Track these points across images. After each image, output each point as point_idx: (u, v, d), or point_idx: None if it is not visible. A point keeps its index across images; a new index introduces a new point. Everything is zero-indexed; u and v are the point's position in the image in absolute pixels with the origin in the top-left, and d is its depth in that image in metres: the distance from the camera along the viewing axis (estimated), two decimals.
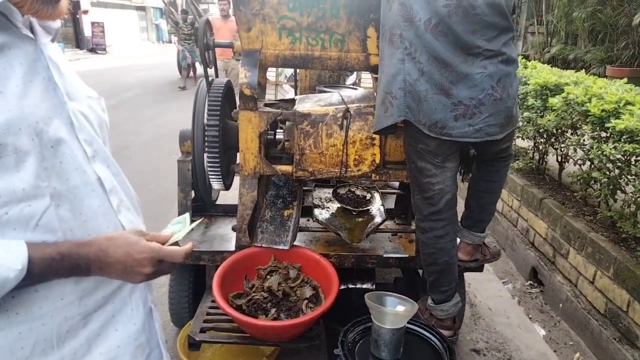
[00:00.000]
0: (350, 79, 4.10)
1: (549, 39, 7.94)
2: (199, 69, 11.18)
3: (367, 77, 4.39)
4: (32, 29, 0.79)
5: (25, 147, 0.72)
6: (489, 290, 2.98)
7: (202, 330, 1.79)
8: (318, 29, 1.88)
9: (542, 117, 3.21)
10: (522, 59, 4.63)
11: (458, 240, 1.95)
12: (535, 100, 3.27)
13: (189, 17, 10.27)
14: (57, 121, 0.78)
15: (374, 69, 2.00)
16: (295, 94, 3.01)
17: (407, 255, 2.06)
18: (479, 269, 2.11)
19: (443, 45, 1.54)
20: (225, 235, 2.17)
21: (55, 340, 0.79)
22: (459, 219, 1.93)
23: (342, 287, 2.06)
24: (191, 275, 2.22)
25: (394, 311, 1.38)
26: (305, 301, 1.72)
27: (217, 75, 2.21)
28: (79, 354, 0.83)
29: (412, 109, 1.61)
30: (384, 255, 2.04)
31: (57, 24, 0.86)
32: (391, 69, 1.64)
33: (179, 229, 0.94)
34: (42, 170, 0.74)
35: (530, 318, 2.75)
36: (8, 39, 0.73)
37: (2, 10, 0.72)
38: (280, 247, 1.90)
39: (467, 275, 2.59)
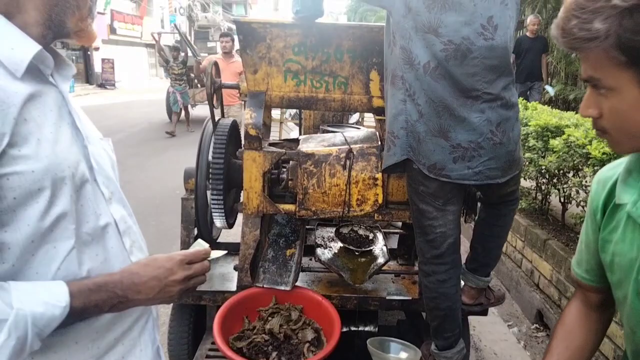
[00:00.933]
0: (353, 118, 4.16)
1: (550, 79, 8.10)
2: (192, 111, 10.39)
3: (369, 116, 4.46)
4: (52, 75, 0.82)
5: (58, 191, 0.74)
6: (494, 334, 2.92)
7: None
8: (322, 72, 1.93)
9: (543, 157, 3.23)
10: (522, 99, 4.70)
11: (462, 283, 1.92)
12: (537, 142, 3.30)
13: (181, 55, 9.31)
14: (82, 164, 0.80)
15: (376, 111, 2.04)
16: (300, 133, 3.06)
17: (410, 298, 2.04)
18: (483, 313, 2.07)
19: (442, 88, 1.56)
20: (226, 275, 2.15)
21: None
22: (464, 260, 1.92)
23: (344, 329, 2.02)
24: (191, 316, 2.19)
25: (397, 358, 1.35)
26: (307, 344, 1.68)
27: (223, 115, 2.25)
28: None
29: (414, 149, 1.63)
30: (387, 297, 2.01)
31: (72, 70, 0.89)
32: (393, 109, 1.67)
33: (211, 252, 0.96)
34: (71, 213, 0.76)
35: None
36: (40, 87, 0.76)
37: (35, 60, 0.75)
38: (282, 287, 1.88)
39: (472, 318, 2.54)
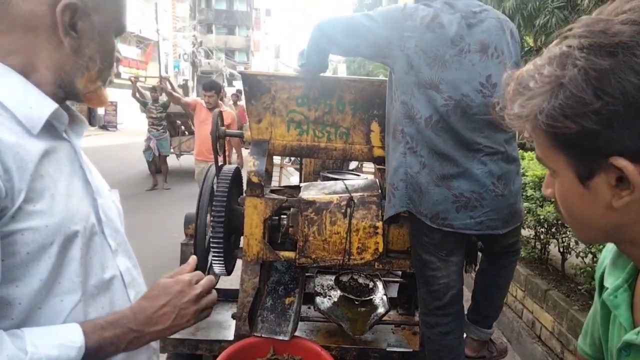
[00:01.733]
0: (353, 164, 4.23)
1: None
2: (178, 161, 9.45)
3: (368, 163, 4.52)
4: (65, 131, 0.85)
5: (70, 245, 0.75)
6: None
7: None
8: (324, 122, 1.98)
9: (541, 207, 3.26)
10: (520, 150, 4.78)
11: (464, 334, 1.89)
12: (534, 191, 3.34)
13: (161, 98, 7.96)
14: (92, 217, 0.81)
15: (376, 160, 2.08)
16: (300, 179, 3.09)
17: (411, 349, 2.00)
18: None
19: (444, 141, 1.60)
20: (224, 323, 2.12)
21: None
22: (465, 311, 1.90)
23: None
24: None
25: None
26: None
27: (226, 162, 2.29)
28: None
29: (414, 201, 1.65)
30: (387, 349, 1.98)
31: (85, 126, 0.91)
32: (394, 161, 1.70)
33: None
34: (80, 266, 0.76)
35: None
36: (54, 143, 0.78)
37: (51, 118, 0.77)
38: (281, 337, 1.85)
39: None
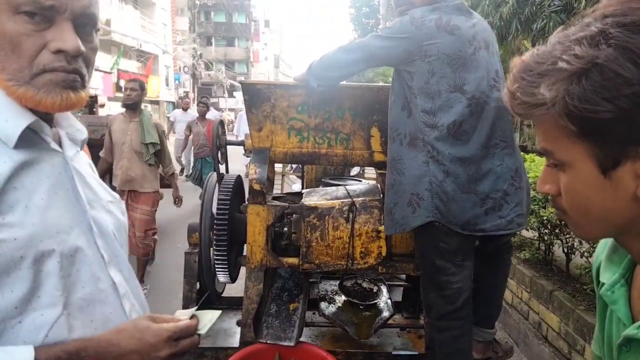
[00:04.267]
0: (355, 170, 4.24)
1: None
2: None
3: (370, 168, 4.54)
4: (60, 141, 0.83)
5: (45, 258, 0.72)
6: None
7: None
8: (325, 129, 2.01)
9: (544, 208, 3.26)
10: (521, 152, 4.79)
11: None
12: (536, 193, 3.34)
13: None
14: (78, 230, 0.79)
15: (377, 165, 2.09)
16: (302, 186, 3.11)
17: (417, 353, 2.00)
18: None
19: (465, 145, 1.63)
20: (229, 330, 2.12)
21: None
22: None
23: None
24: None
25: None
26: None
27: (227, 171, 2.31)
28: None
29: (441, 210, 1.65)
30: (393, 353, 1.98)
31: (83, 134, 0.90)
32: (415, 171, 1.69)
33: (203, 322, 0.90)
34: (59, 280, 0.74)
35: None
36: (37, 154, 0.77)
37: (33, 127, 0.76)
38: (286, 343, 1.85)
39: None
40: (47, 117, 0.80)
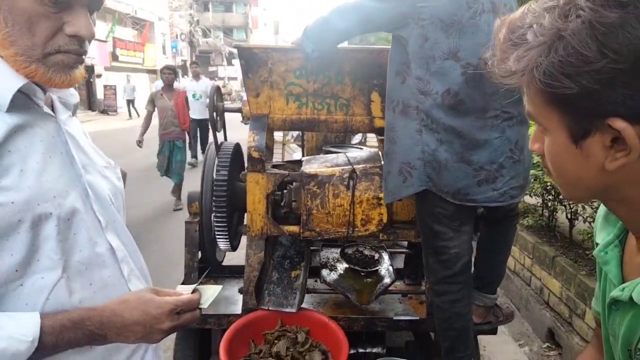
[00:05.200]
0: (356, 138, 4.19)
1: None
2: None
3: (372, 136, 4.48)
4: (52, 105, 0.83)
5: (42, 222, 0.73)
6: (505, 354, 2.86)
7: None
8: (324, 94, 1.95)
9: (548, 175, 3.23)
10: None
11: None
12: (541, 158, 3.30)
13: None
14: (74, 193, 0.80)
15: (378, 131, 2.05)
16: (302, 154, 3.07)
17: (418, 318, 2.01)
18: (493, 331, 2.04)
19: (461, 115, 1.56)
20: (231, 298, 2.13)
21: None
22: None
23: (352, 351, 1.99)
24: (196, 340, 2.16)
25: None
26: None
27: (225, 138, 2.27)
28: None
29: (433, 179, 1.62)
30: (394, 318, 1.99)
31: (75, 99, 0.90)
32: (407, 140, 1.64)
33: (205, 294, 0.92)
34: (58, 243, 0.75)
35: None
36: (30, 118, 0.76)
37: (25, 91, 0.76)
38: (288, 309, 1.86)
39: (482, 338, 2.50)
40: (27, 74, 0.78)
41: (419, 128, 1.61)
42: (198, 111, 7.84)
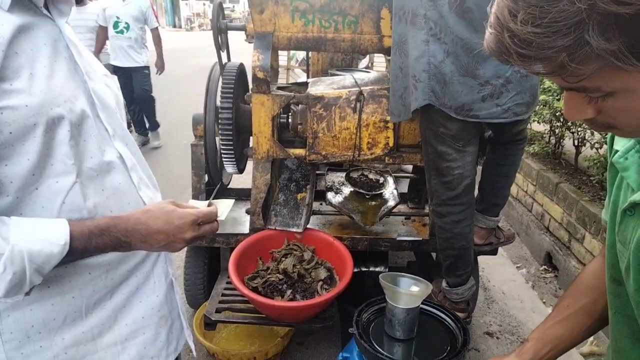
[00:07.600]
0: (363, 63, 4.06)
1: None
2: None
3: (380, 61, 4.34)
4: (48, 9, 0.80)
5: (55, 126, 0.73)
6: (503, 275, 2.97)
7: (218, 311, 1.82)
8: (331, 10, 1.86)
9: (558, 100, 3.15)
10: None
11: None
12: (552, 83, 3.20)
13: None
14: (82, 99, 0.79)
15: (387, 51, 1.97)
16: (308, 78, 3.00)
17: (421, 239, 2.06)
18: (493, 252, 2.10)
19: (469, 24, 1.51)
20: (239, 219, 2.19)
21: (84, 311, 0.82)
22: None
23: (356, 270, 2.07)
24: (206, 258, 2.25)
25: (409, 291, 1.38)
26: (320, 282, 1.73)
27: (229, 59, 2.20)
28: (107, 325, 0.86)
29: (437, 93, 1.59)
30: (397, 238, 2.04)
31: (70, 3, 0.86)
32: (415, 51, 1.60)
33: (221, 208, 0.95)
34: (70, 148, 0.75)
35: (544, 302, 2.74)
36: (31, 20, 0.74)
37: None
38: (294, 229, 1.91)
39: (481, 260, 2.59)
40: None
41: (426, 38, 1.56)
42: (123, 54, 4.88)
